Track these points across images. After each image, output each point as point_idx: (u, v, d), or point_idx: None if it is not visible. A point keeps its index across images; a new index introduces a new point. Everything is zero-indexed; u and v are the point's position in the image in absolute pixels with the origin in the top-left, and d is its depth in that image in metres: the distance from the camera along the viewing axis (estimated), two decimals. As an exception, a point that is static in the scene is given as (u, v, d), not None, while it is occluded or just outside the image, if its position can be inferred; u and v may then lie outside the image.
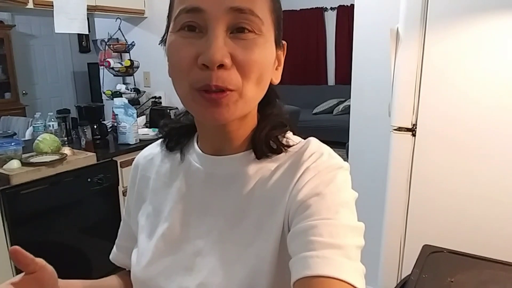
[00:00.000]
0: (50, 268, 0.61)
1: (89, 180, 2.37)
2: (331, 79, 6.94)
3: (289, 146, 0.64)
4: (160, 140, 0.76)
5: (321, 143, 0.65)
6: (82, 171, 2.33)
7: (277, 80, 0.65)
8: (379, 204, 1.62)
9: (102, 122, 2.67)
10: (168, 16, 0.61)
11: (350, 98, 2.33)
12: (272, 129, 0.65)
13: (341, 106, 6.02)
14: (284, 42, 0.65)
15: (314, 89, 6.76)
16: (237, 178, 0.64)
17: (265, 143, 0.64)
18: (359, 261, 0.53)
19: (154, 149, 0.77)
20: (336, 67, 6.82)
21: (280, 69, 0.66)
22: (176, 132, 0.73)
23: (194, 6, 0.54)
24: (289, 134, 0.67)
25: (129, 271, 0.77)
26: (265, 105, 0.66)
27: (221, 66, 0.53)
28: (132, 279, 0.71)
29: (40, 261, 0.59)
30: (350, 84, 2.29)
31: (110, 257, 0.83)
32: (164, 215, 0.69)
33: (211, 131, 0.65)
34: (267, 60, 0.58)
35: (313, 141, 0.65)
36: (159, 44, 0.64)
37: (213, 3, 0.54)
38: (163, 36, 0.63)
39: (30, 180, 2.09)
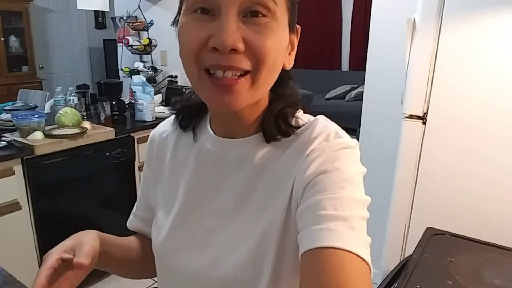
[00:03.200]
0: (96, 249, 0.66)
1: (107, 154, 2.46)
2: (345, 65, 6.92)
3: (297, 127, 0.64)
4: (173, 117, 0.76)
5: (329, 121, 0.66)
6: (101, 145, 2.41)
7: (289, 65, 0.64)
8: (386, 189, 1.69)
9: (120, 98, 2.75)
10: None
11: (363, 84, 2.37)
12: (282, 109, 0.65)
13: (353, 92, 6.03)
14: (298, 26, 0.64)
15: (327, 74, 6.75)
16: (246, 160, 0.66)
17: (274, 126, 0.64)
18: (364, 232, 0.55)
19: (169, 126, 0.78)
20: (351, 53, 6.78)
21: (293, 53, 0.65)
22: (188, 110, 0.73)
23: None
24: (300, 113, 0.68)
25: (142, 236, 0.84)
26: (277, 85, 0.64)
27: (233, 50, 0.52)
28: (153, 251, 0.77)
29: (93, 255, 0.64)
30: (363, 70, 2.33)
31: (128, 224, 0.86)
32: (179, 194, 0.72)
33: (222, 115, 0.66)
34: (280, 45, 0.57)
35: (320, 121, 0.65)
36: (171, 25, 0.63)
37: None
38: (175, 17, 0.62)
39: (52, 151, 2.19)
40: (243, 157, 0.66)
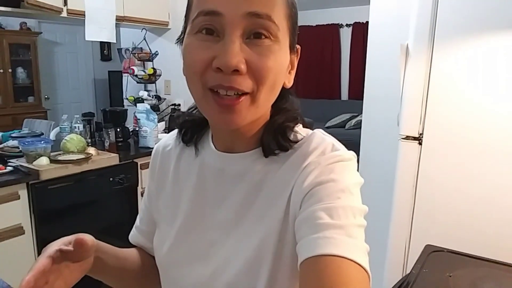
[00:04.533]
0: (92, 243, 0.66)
1: (111, 179, 2.50)
2: (344, 94, 7.04)
3: (295, 142, 0.66)
4: (176, 131, 0.78)
5: (326, 135, 0.68)
6: (105, 170, 2.46)
7: (289, 83, 0.66)
8: (386, 209, 1.71)
9: (125, 126, 2.81)
10: (185, 16, 0.63)
11: (362, 113, 2.44)
12: (282, 123, 0.67)
13: (353, 121, 6.10)
14: (298, 46, 0.66)
15: (327, 103, 6.86)
16: (246, 174, 0.67)
17: (274, 141, 0.65)
18: (361, 240, 0.56)
19: (172, 140, 0.80)
20: (350, 82, 6.92)
21: (293, 72, 0.67)
22: (190, 125, 0.75)
23: (212, 9, 0.55)
24: (299, 127, 0.69)
25: (143, 250, 0.85)
26: (278, 100, 0.66)
27: (236, 71, 0.54)
28: (157, 263, 0.79)
29: (90, 243, 0.64)
30: (362, 99, 2.40)
31: (130, 238, 0.87)
32: (182, 207, 0.73)
33: (223, 131, 0.68)
34: (281, 66, 0.60)
35: (317, 134, 0.67)
36: (175, 43, 0.65)
37: (231, 8, 0.54)
38: (180, 35, 0.64)
39: (57, 176, 2.23)
40: (243, 171, 0.68)
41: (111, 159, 2.50)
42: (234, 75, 0.55)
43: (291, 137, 0.66)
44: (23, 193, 2.13)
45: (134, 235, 0.87)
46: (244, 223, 0.67)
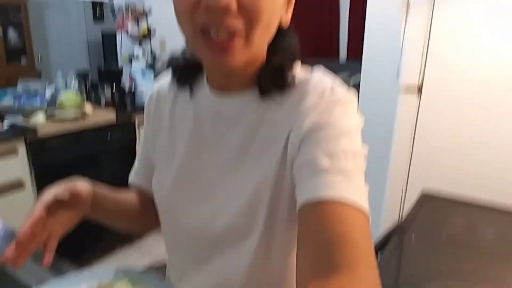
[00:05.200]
0: (87, 190, 0.69)
1: (108, 137, 2.49)
2: (343, 53, 6.93)
3: (293, 83, 0.64)
4: (170, 76, 0.76)
5: (325, 74, 0.65)
6: (102, 128, 2.45)
7: (286, 23, 0.63)
8: (384, 161, 1.72)
9: (120, 84, 2.77)
10: None
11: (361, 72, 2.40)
12: (279, 63, 0.64)
13: (351, 79, 6.05)
14: None
15: (325, 62, 6.74)
16: (242, 116, 0.66)
17: (271, 81, 0.63)
18: (361, 182, 0.55)
19: (166, 84, 0.78)
20: (349, 41, 6.79)
21: (290, 10, 0.64)
22: (184, 68, 0.73)
23: None
24: (297, 66, 0.67)
25: (142, 191, 0.86)
26: (275, 39, 0.63)
27: (226, 9, 0.52)
28: (157, 205, 0.79)
29: (85, 194, 0.67)
30: (361, 59, 2.34)
31: (130, 180, 0.87)
32: (179, 150, 0.73)
33: (217, 71, 0.66)
34: (276, 4, 0.57)
35: (316, 74, 0.65)
36: None
37: None
38: None
39: (54, 133, 2.22)
40: (239, 113, 0.66)
41: (108, 116, 2.48)
42: (224, 15, 0.52)
43: (289, 77, 0.64)
44: (22, 149, 2.12)
45: (133, 178, 0.87)
46: (241, 165, 0.67)
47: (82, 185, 0.68)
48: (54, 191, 0.64)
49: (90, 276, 0.81)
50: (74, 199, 0.63)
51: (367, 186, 0.56)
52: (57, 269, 0.87)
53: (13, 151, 2.09)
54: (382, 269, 0.94)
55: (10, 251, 0.55)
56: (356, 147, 0.58)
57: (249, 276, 0.71)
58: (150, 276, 0.81)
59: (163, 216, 0.80)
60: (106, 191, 0.78)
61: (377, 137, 2.07)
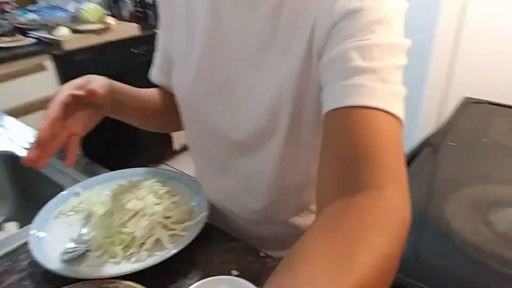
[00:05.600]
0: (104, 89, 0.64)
1: (133, 51, 2.44)
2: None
3: None
4: None
5: None
6: (126, 41, 2.39)
7: None
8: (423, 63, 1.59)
9: (142, -5, 2.65)
10: None
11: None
12: None
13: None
14: None
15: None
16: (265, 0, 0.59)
17: None
18: (397, 83, 0.48)
19: None
20: None
21: None
22: None
23: None
24: None
25: (164, 88, 0.82)
26: None
27: None
28: (177, 102, 0.76)
29: (103, 91, 0.62)
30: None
31: (152, 77, 0.84)
32: (197, 39, 0.67)
33: None
34: None
35: None
36: None
37: None
38: None
39: (79, 47, 2.18)
40: None
41: (132, 29, 2.41)
42: None
43: None
44: (49, 64, 2.11)
45: (154, 74, 0.84)
46: (264, 59, 0.61)
47: (98, 81, 0.64)
48: (69, 88, 0.60)
49: (121, 176, 0.82)
50: (91, 96, 0.59)
51: (404, 89, 0.49)
52: (91, 173, 0.88)
53: (41, 67, 2.08)
54: (417, 174, 0.92)
55: (31, 152, 0.53)
56: (395, 39, 0.49)
57: (274, 181, 0.69)
58: (179, 176, 0.81)
59: (185, 115, 0.77)
60: (126, 88, 0.75)
61: (417, 34, 1.91)
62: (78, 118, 0.61)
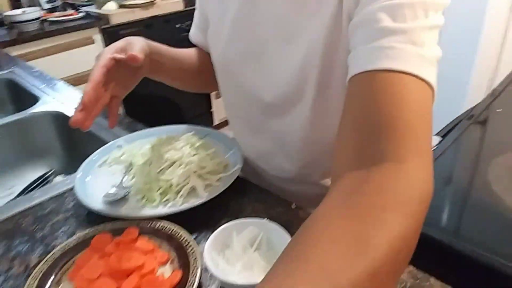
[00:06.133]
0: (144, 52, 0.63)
1: (177, 26, 2.48)
2: None
3: None
4: None
5: None
6: (171, 16, 2.44)
7: None
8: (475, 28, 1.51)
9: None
10: None
11: None
12: None
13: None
14: None
15: None
16: None
17: None
18: (431, 46, 0.45)
19: None
20: None
21: None
22: None
23: None
24: None
25: (201, 47, 0.83)
26: None
27: None
28: (212, 61, 0.77)
29: (143, 55, 0.61)
30: None
31: (190, 36, 0.86)
32: (230, 3, 0.68)
33: None
34: None
35: None
36: None
37: None
38: None
39: (126, 21, 2.25)
40: None
41: (176, 4, 2.45)
42: None
43: None
44: (97, 37, 2.20)
45: (192, 33, 0.85)
46: (296, 20, 0.60)
47: (138, 44, 0.64)
48: (111, 51, 0.61)
49: (160, 131, 0.85)
50: (132, 61, 0.60)
51: (438, 52, 0.45)
52: (133, 130, 0.91)
53: (90, 40, 2.17)
54: (464, 139, 0.89)
55: (77, 114, 0.55)
56: None
57: (305, 143, 0.70)
58: (215, 133, 0.83)
59: (220, 75, 0.78)
60: (164, 49, 0.76)
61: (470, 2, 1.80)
62: (119, 81, 0.63)
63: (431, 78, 0.43)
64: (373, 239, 0.32)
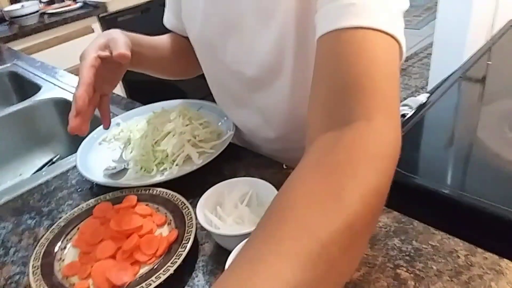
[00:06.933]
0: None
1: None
2: None
3: None
4: None
5: None
6: (167, 0, 2.44)
7: None
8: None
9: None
10: None
11: None
12: None
13: None
14: None
15: None
16: None
17: None
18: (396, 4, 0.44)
19: None
20: None
21: None
22: None
23: None
24: None
25: (177, 31, 0.83)
26: None
27: None
28: (191, 42, 0.77)
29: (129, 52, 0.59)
30: None
31: (164, 21, 0.84)
32: None
33: None
34: None
35: None
36: None
37: None
38: None
39: (123, 7, 2.27)
40: None
41: (172, -13, 2.45)
42: None
43: None
44: (96, 26, 2.22)
45: (166, 18, 0.84)
46: None
47: (120, 40, 0.61)
48: (94, 49, 0.59)
49: (155, 107, 0.87)
50: (122, 60, 0.58)
51: (404, 2, 0.45)
52: (131, 108, 0.94)
53: (89, 29, 2.19)
54: (455, 90, 0.89)
55: (74, 121, 0.54)
56: None
57: (288, 113, 0.71)
58: (208, 105, 0.85)
59: (200, 54, 0.78)
60: (142, 39, 0.75)
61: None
62: (105, 78, 0.62)
63: (396, 31, 0.42)
64: (347, 194, 0.34)
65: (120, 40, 0.61)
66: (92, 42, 0.62)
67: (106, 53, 0.60)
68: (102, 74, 0.60)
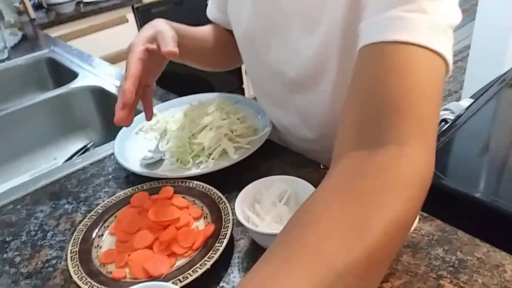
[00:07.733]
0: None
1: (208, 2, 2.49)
2: None
3: None
4: None
5: None
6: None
7: None
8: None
9: None
10: None
11: None
12: None
13: None
14: None
15: None
16: None
17: None
18: (444, 12, 0.42)
19: None
20: None
21: None
22: None
23: None
24: None
25: (221, 24, 0.82)
26: None
27: None
28: (236, 38, 0.76)
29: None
30: None
31: (208, 13, 0.84)
32: None
33: None
34: None
35: None
36: None
37: None
38: None
39: (157, -1, 2.29)
40: None
41: (206, -20, 2.45)
42: None
43: None
44: (130, 16, 2.25)
45: (210, 10, 0.84)
46: None
47: (168, 33, 0.61)
48: (142, 41, 0.60)
49: (192, 99, 0.87)
50: (171, 57, 0.59)
51: (455, 17, 0.42)
52: (166, 99, 0.94)
53: (124, 19, 2.22)
54: (496, 100, 0.86)
55: (120, 113, 0.55)
56: None
57: (328, 116, 0.69)
58: (245, 100, 0.85)
59: (243, 50, 0.78)
60: (185, 30, 0.74)
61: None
62: (149, 71, 0.62)
63: (444, 48, 0.40)
64: (370, 224, 0.33)
65: (168, 34, 0.60)
66: (139, 34, 0.62)
67: (153, 46, 0.60)
68: (148, 66, 0.60)
